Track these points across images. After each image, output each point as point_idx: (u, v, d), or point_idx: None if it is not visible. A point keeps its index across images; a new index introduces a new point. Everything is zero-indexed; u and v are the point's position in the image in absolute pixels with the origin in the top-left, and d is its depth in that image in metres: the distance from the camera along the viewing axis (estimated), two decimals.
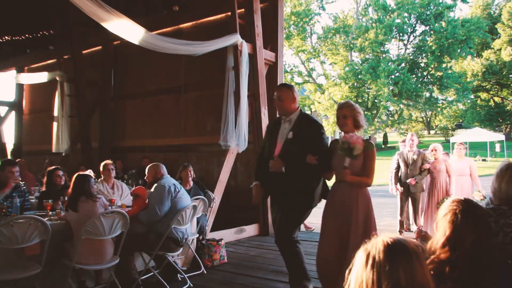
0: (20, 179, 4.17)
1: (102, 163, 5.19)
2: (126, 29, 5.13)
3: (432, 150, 6.14)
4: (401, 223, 6.47)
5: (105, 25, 4.97)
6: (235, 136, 6.07)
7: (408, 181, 6.12)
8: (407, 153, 6.23)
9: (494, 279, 1.57)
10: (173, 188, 3.99)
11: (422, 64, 31.83)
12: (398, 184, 6.32)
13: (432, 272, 1.52)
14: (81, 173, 3.86)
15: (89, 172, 4.81)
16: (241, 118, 6.16)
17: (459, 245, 1.60)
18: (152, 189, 4.02)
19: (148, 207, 3.92)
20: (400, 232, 6.36)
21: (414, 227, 6.39)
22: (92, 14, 4.69)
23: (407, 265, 1.15)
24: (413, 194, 6.21)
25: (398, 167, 6.34)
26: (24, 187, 4.31)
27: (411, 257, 1.16)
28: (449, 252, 1.60)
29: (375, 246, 1.20)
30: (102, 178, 5.20)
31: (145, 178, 4.31)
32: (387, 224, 7.48)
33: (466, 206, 1.66)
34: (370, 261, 1.17)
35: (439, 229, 1.67)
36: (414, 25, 31.75)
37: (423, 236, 2.04)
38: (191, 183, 5.30)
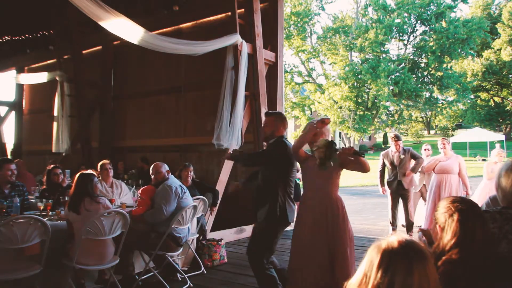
0: (14, 178, 4.10)
1: (99, 163, 5.12)
2: (126, 29, 5.12)
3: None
4: (394, 227, 6.33)
5: (104, 25, 4.96)
6: (228, 136, 6.04)
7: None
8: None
9: (506, 274, 1.54)
10: (179, 189, 4.00)
11: (422, 64, 31.83)
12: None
13: (443, 273, 1.51)
14: (84, 172, 3.78)
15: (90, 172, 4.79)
16: (236, 117, 6.14)
17: (470, 243, 1.57)
18: (158, 190, 4.01)
19: (155, 207, 3.91)
20: (409, 234, 6.23)
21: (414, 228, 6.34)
22: (91, 14, 4.68)
23: (422, 267, 1.13)
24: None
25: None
26: (22, 187, 4.27)
27: (426, 260, 1.15)
28: (461, 252, 1.57)
29: (390, 245, 1.17)
30: (100, 178, 5.17)
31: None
32: (386, 224, 7.46)
33: (468, 204, 1.65)
34: (384, 261, 1.14)
35: (447, 231, 1.63)
36: (414, 25, 31.75)
37: (426, 233, 1.96)
38: (190, 183, 5.29)
